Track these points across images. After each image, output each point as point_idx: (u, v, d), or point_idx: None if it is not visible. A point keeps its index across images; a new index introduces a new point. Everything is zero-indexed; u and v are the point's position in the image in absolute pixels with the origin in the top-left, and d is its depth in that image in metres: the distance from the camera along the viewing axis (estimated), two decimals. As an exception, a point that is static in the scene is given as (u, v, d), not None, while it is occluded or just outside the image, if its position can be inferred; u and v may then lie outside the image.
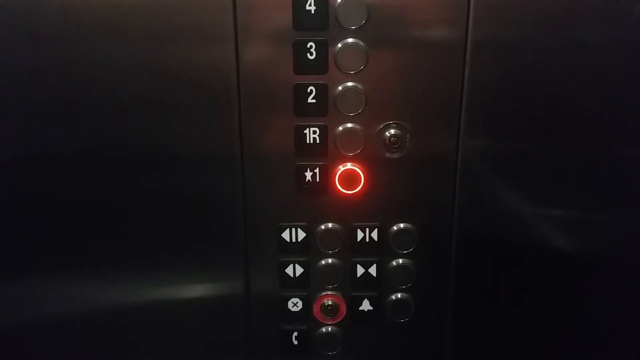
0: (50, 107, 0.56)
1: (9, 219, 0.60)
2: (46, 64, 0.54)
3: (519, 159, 0.58)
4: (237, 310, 0.63)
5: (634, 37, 0.54)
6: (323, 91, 0.55)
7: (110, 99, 0.55)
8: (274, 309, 0.63)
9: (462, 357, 0.65)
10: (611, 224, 0.61)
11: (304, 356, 0.65)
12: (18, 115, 0.56)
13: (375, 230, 0.60)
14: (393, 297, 0.63)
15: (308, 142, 0.57)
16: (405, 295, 0.63)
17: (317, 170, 0.58)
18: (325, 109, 0.56)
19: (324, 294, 0.63)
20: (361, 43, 0.53)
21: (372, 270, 0.61)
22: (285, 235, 0.60)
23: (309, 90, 0.55)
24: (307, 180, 0.58)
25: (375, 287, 0.62)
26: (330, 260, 0.61)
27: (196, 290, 0.63)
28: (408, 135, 0.56)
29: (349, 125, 0.56)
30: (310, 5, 0.52)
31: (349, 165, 0.58)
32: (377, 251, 0.61)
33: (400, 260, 0.61)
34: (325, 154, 0.57)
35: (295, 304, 0.63)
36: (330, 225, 0.60)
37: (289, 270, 0.61)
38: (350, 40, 0.53)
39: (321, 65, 0.54)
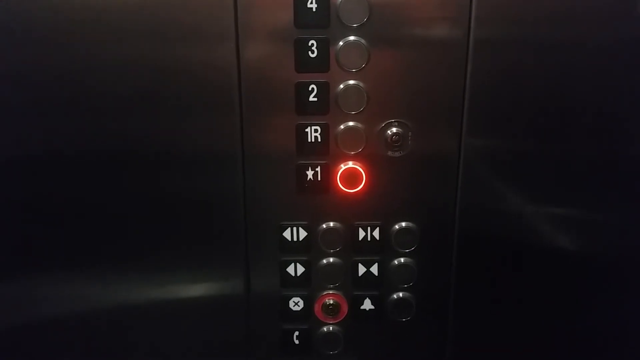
0: (50, 107, 0.56)
1: (9, 219, 0.60)
2: (46, 62, 0.54)
3: (520, 159, 0.58)
4: (238, 310, 0.63)
5: (634, 37, 0.54)
6: (324, 89, 0.55)
7: (111, 98, 0.55)
8: (275, 308, 0.63)
9: (463, 356, 0.65)
10: (611, 224, 0.61)
11: (305, 356, 0.65)
12: (18, 115, 0.56)
13: (377, 229, 0.60)
14: (394, 296, 0.63)
15: (309, 140, 0.56)
16: (406, 294, 0.62)
17: (318, 169, 0.58)
18: (326, 108, 0.55)
19: (325, 293, 0.63)
20: (363, 41, 0.53)
21: (374, 269, 0.61)
22: (287, 234, 0.60)
23: (310, 89, 0.55)
24: (308, 179, 0.58)
25: (376, 286, 0.62)
26: (331, 260, 0.61)
27: (197, 289, 0.63)
28: (410, 134, 0.56)
29: (351, 123, 0.56)
30: (311, 3, 0.52)
31: (350, 164, 0.57)
32: (378, 250, 0.61)
33: (402, 260, 0.61)
34: (326, 152, 0.57)
35: (296, 303, 0.63)
36: (331, 224, 0.60)
37: (290, 270, 0.61)
38: (351, 38, 0.53)
39: (323, 63, 0.54)
